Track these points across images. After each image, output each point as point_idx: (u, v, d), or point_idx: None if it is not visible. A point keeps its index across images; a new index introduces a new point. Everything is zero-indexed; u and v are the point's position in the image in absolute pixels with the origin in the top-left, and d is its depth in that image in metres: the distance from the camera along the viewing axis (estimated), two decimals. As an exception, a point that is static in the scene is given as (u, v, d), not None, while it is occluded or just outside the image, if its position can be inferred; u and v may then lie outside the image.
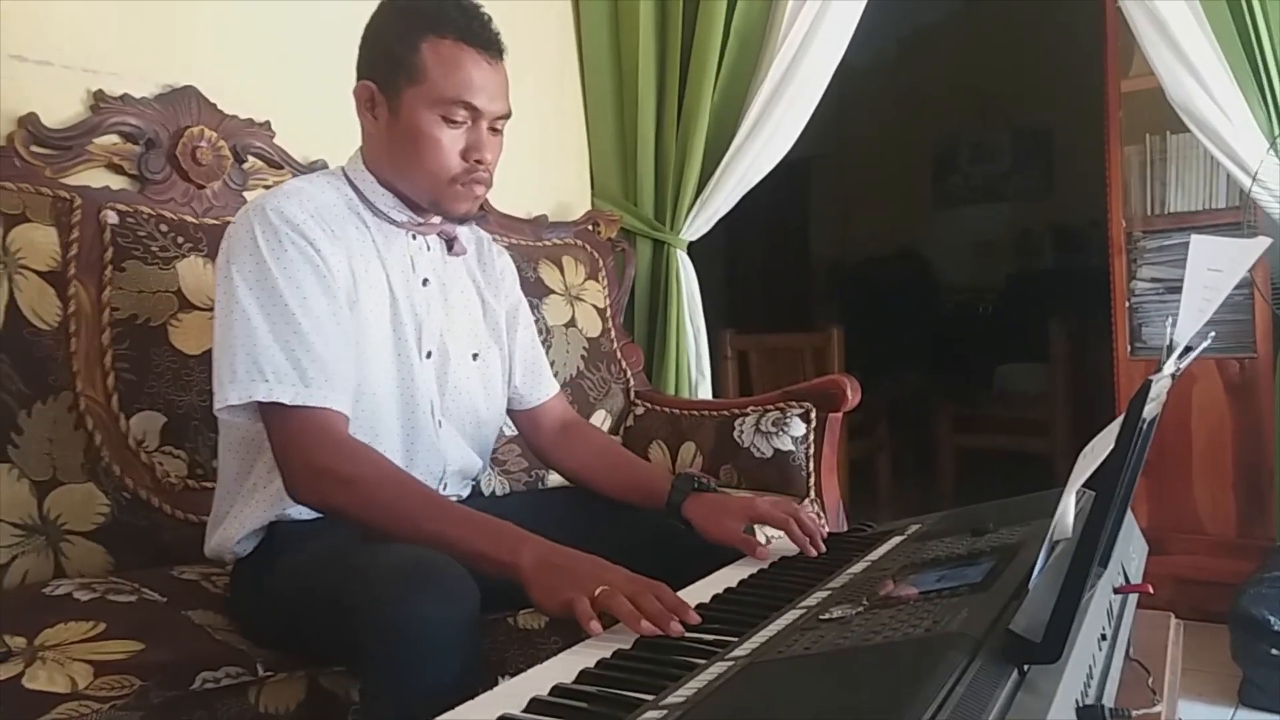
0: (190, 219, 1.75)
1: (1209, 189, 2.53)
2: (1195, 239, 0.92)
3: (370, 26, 1.29)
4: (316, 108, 2.01)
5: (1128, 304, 2.62)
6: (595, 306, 2.43)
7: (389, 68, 1.24)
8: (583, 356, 2.35)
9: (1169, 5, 2.20)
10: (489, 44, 1.25)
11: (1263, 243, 0.92)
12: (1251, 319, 2.44)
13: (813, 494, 2.06)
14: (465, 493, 1.43)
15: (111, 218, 1.64)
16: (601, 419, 2.36)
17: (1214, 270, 0.87)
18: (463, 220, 1.33)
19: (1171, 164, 2.57)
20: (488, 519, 1.08)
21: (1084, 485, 0.81)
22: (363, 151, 1.32)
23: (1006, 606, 0.76)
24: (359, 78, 1.28)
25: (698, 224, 2.70)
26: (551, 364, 2.17)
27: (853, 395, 2.05)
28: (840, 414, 2.09)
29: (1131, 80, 2.59)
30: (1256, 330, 2.44)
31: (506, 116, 1.28)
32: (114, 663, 1.11)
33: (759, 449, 2.11)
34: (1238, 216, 2.35)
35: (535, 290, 2.26)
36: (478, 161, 1.25)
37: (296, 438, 1.13)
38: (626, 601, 0.91)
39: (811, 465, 2.07)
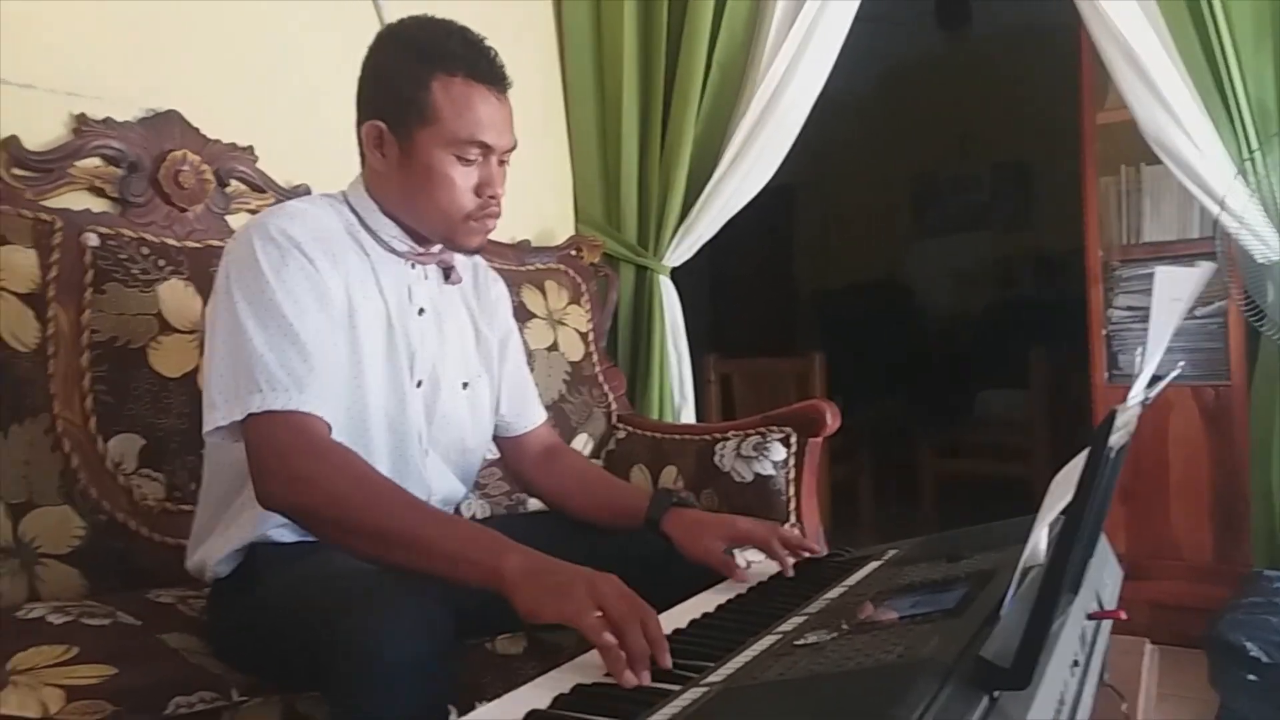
0: (172, 242, 1.75)
1: (1183, 219, 2.58)
2: (1160, 270, 0.93)
3: (373, 63, 1.27)
4: (300, 132, 2.03)
5: (1105, 332, 2.65)
6: (577, 331, 2.44)
7: (399, 108, 1.22)
8: (565, 380, 2.35)
9: (1141, 40, 2.24)
10: (497, 79, 1.25)
11: (1209, 268, 0.94)
12: (1225, 347, 2.48)
13: (793, 519, 2.06)
14: (446, 518, 1.42)
15: (92, 240, 1.63)
16: (583, 443, 2.36)
17: (1177, 300, 0.89)
18: (474, 253, 1.34)
19: (1146, 194, 2.62)
20: (470, 523, 1.08)
21: (1058, 512, 0.82)
22: (366, 181, 1.31)
23: (978, 633, 0.76)
24: (364, 117, 1.26)
25: (681, 250, 2.71)
26: (533, 388, 2.18)
27: (832, 420, 2.06)
28: (820, 439, 2.09)
29: (1107, 113, 2.63)
30: (1231, 358, 2.47)
31: (513, 148, 1.29)
32: (86, 687, 1.10)
33: (739, 473, 2.11)
34: (1212, 245, 2.38)
35: (518, 315, 2.24)
36: (491, 197, 1.26)
37: (276, 440, 1.10)
38: (615, 644, 0.87)
39: (792, 490, 2.07)
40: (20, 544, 1.46)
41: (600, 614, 0.90)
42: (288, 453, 1.09)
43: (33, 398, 1.51)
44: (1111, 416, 0.67)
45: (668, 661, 0.88)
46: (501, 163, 1.28)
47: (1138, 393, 0.80)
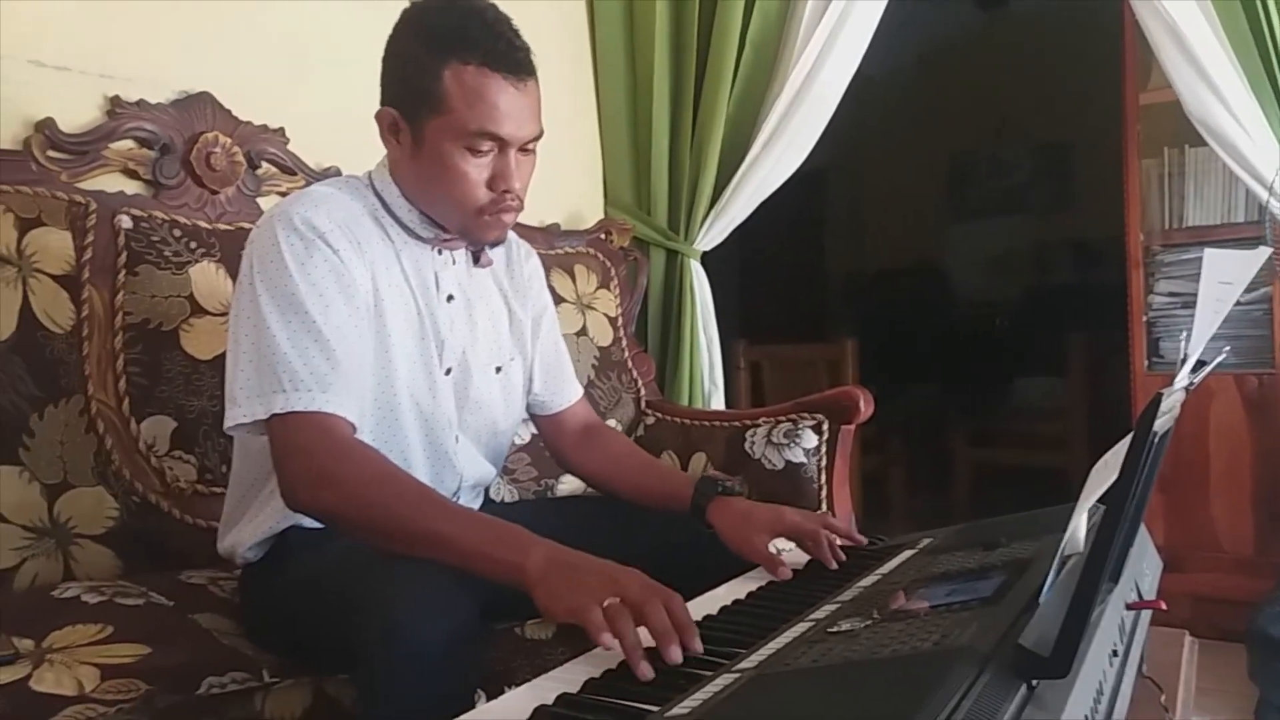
0: (204, 224, 1.76)
1: (1228, 203, 2.52)
2: (1209, 252, 0.91)
3: (391, 48, 1.22)
4: (330, 115, 2.03)
5: (1145, 318, 2.60)
6: (607, 315, 2.43)
7: (410, 96, 1.18)
8: (594, 365, 2.35)
9: (1186, 18, 2.19)
10: (517, 66, 1.17)
11: (1263, 253, 0.91)
12: (1271, 334, 2.42)
13: (824, 506, 2.04)
14: (478, 503, 1.42)
15: (126, 222, 1.64)
16: (611, 428, 2.35)
17: (1226, 283, 0.86)
18: (494, 245, 1.31)
19: (1190, 178, 2.56)
20: (491, 519, 1.05)
21: (1097, 500, 0.80)
22: (390, 165, 1.28)
23: (1016, 621, 0.75)
24: (382, 102, 1.23)
25: (712, 234, 2.69)
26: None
27: (866, 407, 2.04)
28: (853, 426, 2.07)
29: (1150, 93, 2.58)
30: (1275, 345, 2.42)
31: (538, 137, 1.23)
32: (121, 666, 1.11)
33: (770, 460, 2.09)
34: (1257, 231, 2.33)
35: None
36: (505, 191, 1.21)
37: (299, 441, 1.10)
38: (631, 626, 0.86)
39: (823, 478, 2.06)
40: (55, 524, 1.47)
41: (608, 607, 0.88)
42: (311, 454, 1.08)
43: (67, 379, 1.53)
44: (1157, 400, 0.65)
45: (697, 645, 0.86)
46: (526, 151, 1.22)
47: (1183, 377, 0.78)
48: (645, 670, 0.82)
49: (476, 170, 1.19)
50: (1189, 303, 2.52)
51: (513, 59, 1.17)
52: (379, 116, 1.24)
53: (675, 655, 0.84)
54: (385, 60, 1.23)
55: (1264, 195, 2.19)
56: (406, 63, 1.19)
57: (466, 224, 1.24)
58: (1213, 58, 2.19)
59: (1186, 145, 2.52)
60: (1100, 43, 2.88)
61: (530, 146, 1.23)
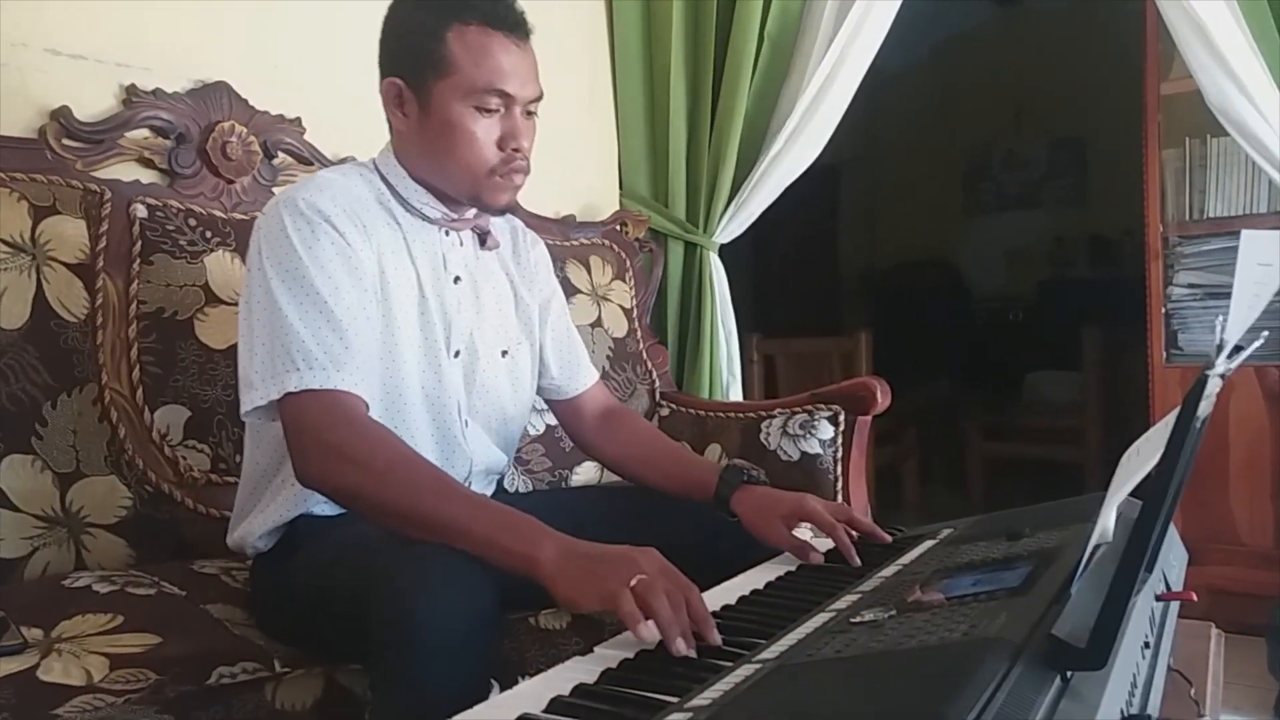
0: (219, 214, 1.75)
1: (1250, 194, 2.49)
2: (1246, 234, 0.88)
3: (390, 21, 1.25)
4: (347, 104, 2.00)
5: (1164, 310, 2.57)
6: (622, 307, 2.41)
7: (415, 62, 1.20)
8: (608, 357, 2.33)
9: (1208, 7, 2.16)
10: (515, 25, 1.21)
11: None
12: (1292, 326, 2.39)
13: (839, 498, 2.02)
14: (490, 490, 1.41)
15: (141, 211, 1.64)
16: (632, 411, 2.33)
17: (1264, 265, 0.84)
18: (502, 212, 1.30)
19: (1211, 169, 2.52)
20: (506, 509, 1.03)
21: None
22: (394, 146, 1.29)
23: (1047, 611, 0.73)
24: (383, 75, 1.25)
25: (731, 227, 2.68)
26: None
27: (883, 398, 2.02)
28: (869, 417, 2.05)
29: (1171, 83, 2.54)
30: (1297, 338, 2.38)
31: (539, 99, 1.25)
32: (130, 656, 1.10)
33: (786, 451, 2.07)
34: (1278, 221, 2.30)
35: (562, 290, 2.24)
36: (515, 150, 1.22)
37: (314, 418, 1.08)
38: (666, 604, 0.85)
39: (839, 469, 2.04)
40: (68, 513, 1.46)
41: (636, 585, 0.87)
42: (325, 432, 1.08)
43: (81, 368, 1.52)
44: (1203, 382, 0.63)
45: (715, 638, 0.85)
46: (529, 114, 1.24)
47: (1221, 363, 0.76)
48: (682, 647, 0.82)
49: (485, 130, 1.20)
50: (1210, 294, 2.49)
51: (511, 19, 1.21)
52: (383, 89, 1.25)
53: (690, 649, 0.83)
54: (385, 33, 1.25)
55: (1288, 186, 2.16)
56: (408, 29, 1.22)
57: (477, 187, 1.24)
58: (1234, 48, 2.16)
59: (1209, 135, 2.49)
60: (1120, 34, 2.85)
61: (532, 109, 1.24)
